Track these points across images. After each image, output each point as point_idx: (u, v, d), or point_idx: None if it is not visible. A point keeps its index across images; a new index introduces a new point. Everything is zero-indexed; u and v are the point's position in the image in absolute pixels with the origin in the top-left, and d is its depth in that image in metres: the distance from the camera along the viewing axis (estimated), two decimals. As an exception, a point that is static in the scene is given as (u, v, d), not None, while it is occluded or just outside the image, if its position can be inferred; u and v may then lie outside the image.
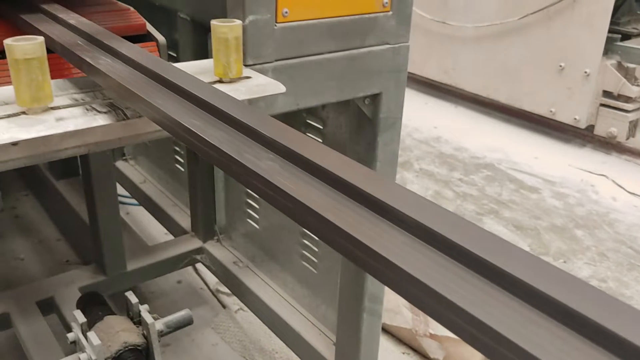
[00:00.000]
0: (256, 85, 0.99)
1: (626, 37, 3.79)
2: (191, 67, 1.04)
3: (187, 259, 2.30)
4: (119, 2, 1.42)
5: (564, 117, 3.85)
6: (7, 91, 0.91)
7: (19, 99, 0.82)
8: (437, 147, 3.85)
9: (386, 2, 1.24)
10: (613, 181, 3.48)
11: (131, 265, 2.14)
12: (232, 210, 2.24)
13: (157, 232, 2.83)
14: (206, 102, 0.74)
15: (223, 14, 1.61)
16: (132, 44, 0.97)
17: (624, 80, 3.60)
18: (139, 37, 1.32)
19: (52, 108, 0.85)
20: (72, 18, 1.07)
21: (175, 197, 2.60)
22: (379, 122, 1.35)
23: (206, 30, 1.94)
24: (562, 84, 3.80)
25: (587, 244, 2.87)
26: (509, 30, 3.98)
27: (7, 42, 0.80)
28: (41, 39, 0.80)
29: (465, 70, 4.32)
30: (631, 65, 3.61)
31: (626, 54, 3.63)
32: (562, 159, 3.73)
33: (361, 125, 1.40)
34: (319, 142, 0.66)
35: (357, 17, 1.20)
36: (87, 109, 0.86)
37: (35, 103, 0.82)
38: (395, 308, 2.15)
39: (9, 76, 0.96)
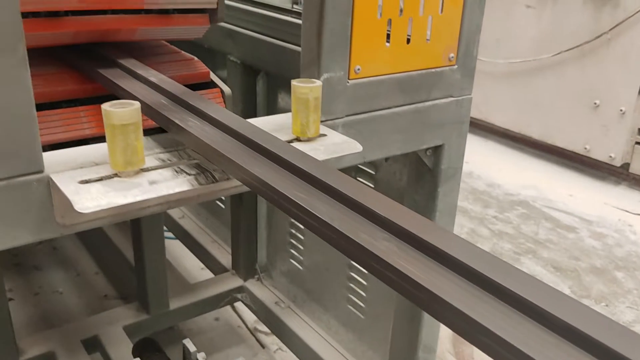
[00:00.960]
0: (333, 144, 1.00)
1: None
2: (267, 124, 1.04)
3: (228, 298, 2.29)
4: (183, 52, 1.44)
5: (599, 154, 3.82)
6: (97, 150, 0.92)
7: (113, 162, 0.84)
8: (470, 182, 3.83)
9: (452, 56, 1.24)
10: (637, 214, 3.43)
11: (174, 304, 2.14)
12: (274, 249, 2.24)
13: (191, 265, 2.83)
14: (309, 173, 0.74)
15: (284, 66, 1.64)
16: (217, 105, 0.98)
17: (659, 117, 3.57)
18: (203, 85, 1.34)
19: (143, 170, 0.86)
20: (152, 75, 1.09)
21: (215, 233, 2.60)
22: (440, 173, 1.35)
23: (255, 72, 1.98)
24: (597, 121, 3.77)
25: (629, 286, 2.82)
26: (542, 66, 3.98)
27: (105, 107, 0.81)
28: (137, 105, 0.82)
29: (496, 105, 4.32)
30: (664, 101, 3.58)
31: (663, 92, 3.60)
32: (598, 197, 3.69)
33: (420, 174, 1.40)
34: (414, 212, 0.65)
35: (424, 71, 1.21)
36: (176, 171, 0.87)
37: (129, 167, 0.83)
38: (440, 354, 2.12)
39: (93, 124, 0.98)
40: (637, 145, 3.70)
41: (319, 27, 1.04)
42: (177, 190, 0.83)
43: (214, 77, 1.38)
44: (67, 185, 0.81)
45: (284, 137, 1.01)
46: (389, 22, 1.13)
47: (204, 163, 0.91)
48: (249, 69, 1.95)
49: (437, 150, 1.33)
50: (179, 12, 1.23)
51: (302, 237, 2.04)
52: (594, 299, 2.71)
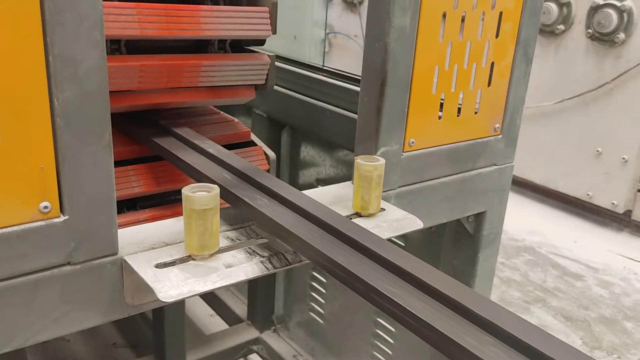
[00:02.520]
0: (395, 221, 1.00)
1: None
2: (324, 196, 1.05)
3: (244, 350, 2.26)
4: (223, 113, 1.46)
5: (602, 201, 3.86)
6: (165, 228, 0.92)
7: (188, 245, 0.83)
8: (475, 227, 3.84)
9: (497, 127, 1.26)
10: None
11: (190, 357, 2.11)
12: (292, 299, 2.22)
13: (202, 313, 2.79)
14: (392, 262, 0.75)
15: (311, 121, 1.66)
16: (279, 180, 0.98)
17: (662, 166, 3.63)
18: (244, 144, 1.36)
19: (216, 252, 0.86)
20: (210, 146, 1.10)
21: (229, 282, 2.58)
22: (481, 239, 1.36)
23: (281, 125, 1.99)
24: (600, 168, 3.83)
25: (639, 337, 2.83)
26: (544, 113, 4.05)
27: (186, 192, 0.81)
28: (217, 189, 0.82)
29: (498, 150, 4.36)
30: (668, 151, 3.65)
31: (664, 141, 3.67)
32: (602, 244, 3.72)
33: (460, 239, 1.40)
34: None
35: (471, 142, 1.23)
36: (249, 253, 0.87)
37: (205, 250, 0.83)
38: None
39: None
40: (639, 193, 3.76)
41: (378, 104, 1.06)
42: (253, 275, 0.83)
43: (256, 139, 1.39)
44: (145, 270, 0.80)
45: (344, 212, 1.01)
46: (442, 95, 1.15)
47: (273, 242, 0.91)
48: (275, 123, 1.96)
49: (478, 216, 1.34)
50: (229, 86, 1.25)
51: (323, 290, 2.03)
52: (605, 351, 2.71)
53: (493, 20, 1.16)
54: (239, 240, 0.91)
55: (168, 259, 0.84)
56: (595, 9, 3.68)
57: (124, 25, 1.01)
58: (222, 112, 1.46)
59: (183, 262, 0.83)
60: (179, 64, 1.12)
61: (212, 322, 2.63)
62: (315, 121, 1.77)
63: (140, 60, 1.07)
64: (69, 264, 0.80)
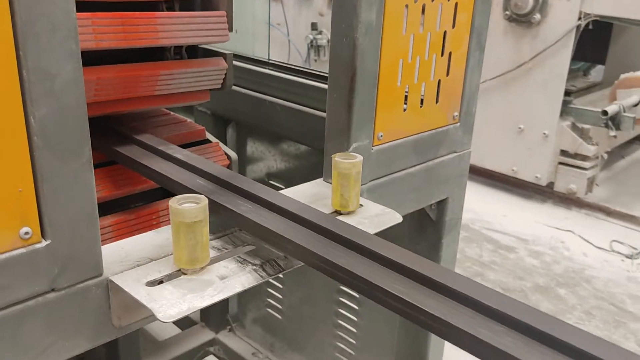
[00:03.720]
0: (375, 217, 1.01)
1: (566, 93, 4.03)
2: (302, 196, 1.04)
3: (200, 352, 2.21)
4: (174, 113, 1.41)
5: (526, 175, 4.05)
6: (146, 243, 0.88)
7: (178, 259, 0.80)
8: (410, 209, 3.94)
9: (456, 115, 1.29)
10: (580, 236, 3.67)
11: (146, 365, 2.05)
12: (247, 297, 2.19)
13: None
14: (400, 263, 0.75)
15: (258, 116, 1.63)
16: (258, 183, 0.96)
17: (581, 140, 3.85)
18: (199, 142, 1.33)
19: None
20: (175, 151, 1.05)
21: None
22: (443, 225, 1.39)
23: (225, 121, 1.95)
24: (522, 144, 4.01)
25: (572, 302, 3.00)
26: (468, 94, 4.18)
27: (173, 205, 0.78)
28: (206, 201, 0.79)
29: (426, 132, 4.48)
30: (585, 126, 3.87)
31: (580, 115, 3.89)
32: (529, 216, 3.91)
33: (423, 226, 1.43)
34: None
35: (434, 131, 1.25)
36: (239, 262, 0.85)
37: (197, 264, 0.80)
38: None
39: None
40: (560, 166, 3.97)
41: (349, 99, 1.05)
42: (249, 285, 0.81)
43: (212, 137, 1.36)
44: (137, 290, 0.76)
45: (324, 211, 1.00)
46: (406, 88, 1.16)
47: (260, 248, 0.89)
48: (219, 119, 1.92)
49: (441, 203, 1.37)
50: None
51: (279, 285, 2.01)
52: (544, 317, 2.86)
53: (449, 11, 1.18)
54: (226, 249, 0.89)
55: (157, 276, 0.80)
56: (511, -8, 3.82)
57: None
58: (172, 113, 1.41)
59: (174, 278, 0.80)
60: (136, 75, 1.07)
61: (164, 327, 2.55)
62: (262, 115, 1.74)
63: (97, 73, 1.01)
64: (52, 290, 0.74)
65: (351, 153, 1.02)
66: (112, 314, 0.81)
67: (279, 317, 2.05)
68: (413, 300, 0.69)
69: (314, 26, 4.92)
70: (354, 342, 1.80)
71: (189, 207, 0.78)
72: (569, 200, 4.06)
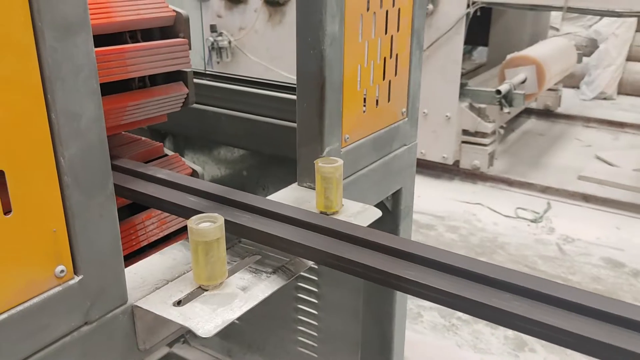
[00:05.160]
0: (358, 214, 1.08)
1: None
2: (285, 201, 1.09)
3: (156, 368, 2.20)
4: (128, 133, 1.40)
5: (434, 156, 4.30)
6: (156, 265, 0.90)
7: (199, 276, 0.83)
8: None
9: (404, 111, 1.39)
10: (488, 208, 3.96)
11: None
12: (197, 307, 2.20)
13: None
14: (407, 252, 0.83)
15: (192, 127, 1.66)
16: (248, 193, 1.01)
17: (479, 119, 4.14)
18: (159, 158, 1.35)
19: (223, 277, 0.87)
20: (155, 171, 1.07)
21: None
22: (399, 214, 1.50)
23: (162, 135, 1.95)
24: (428, 127, 4.24)
25: (492, 269, 3.25)
26: (373, 84, 4.36)
27: (192, 226, 0.81)
28: (221, 218, 0.83)
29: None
30: (482, 106, 4.17)
31: (476, 96, 4.18)
32: (441, 194, 4.16)
33: (381, 216, 1.52)
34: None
35: (387, 128, 1.34)
36: (253, 272, 0.89)
37: (218, 279, 0.84)
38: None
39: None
40: (463, 144, 4.25)
41: (320, 107, 1.12)
42: (270, 292, 0.86)
43: (168, 151, 1.38)
44: (168, 312, 0.79)
45: (310, 214, 1.07)
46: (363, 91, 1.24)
47: (266, 256, 0.94)
48: (156, 133, 1.91)
49: (395, 193, 1.47)
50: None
51: (232, 290, 2.04)
52: (470, 287, 3.08)
53: (394, 16, 1.27)
54: (234, 261, 0.93)
55: (181, 295, 0.83)
56: (404, -16, 4.02)
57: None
58: (127, 133, 1.41)
59: (198, 295, 0.83)
60: (106, 109, 1.07)
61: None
62: (204, 126, 1.77)
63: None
64: (86, 323, 0.76)
65: (331, 157, 1.09)
66: (138, 338, 0.83)
67: (236, 321, 2.08)
68: (419, 278, 0.77)
69: (213, 28, 4.89)
70: (316, 334, 1.87)
71: (208, 226, 0.81)
72: (474, 176, 4.36)
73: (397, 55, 1.31)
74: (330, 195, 1.06)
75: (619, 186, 4.18)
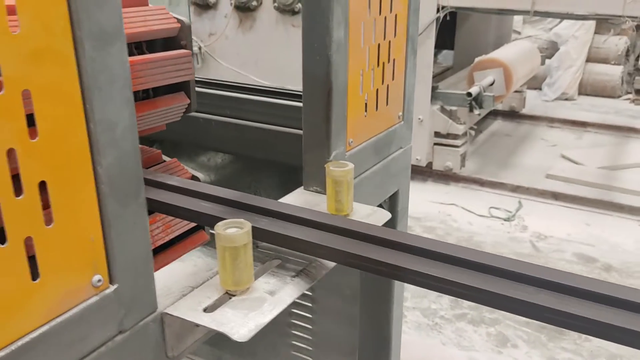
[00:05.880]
0: (368, 216, 1.10)
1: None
2: (298, 205, 1.10)
3: (145, 378, 2.17)
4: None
5: (407, 158, 4.35)
6: (178, 272, 0.90)
7: (227, 281, 0.84)
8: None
9: (400, 115, 1.42)
10: (462, 208, 4.04)
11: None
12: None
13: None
14: (416, 246, 0.86)
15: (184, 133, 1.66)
16: (261, 197, 1.01)
17: (451, 121, 4.22)
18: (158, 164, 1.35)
19: (248, 282, 0.87)
20: (165, 178, 1.07)
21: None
22: (396, 215, 1.52)
23: (151, 142, 1.94)
24: (401, 130, 4.30)
25: (470, 267, 3.31)
26: (345, 88, 4.40)
27: (220, 232, 0.82)
28: (248, 224, 0.83)
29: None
30: (453, 108, 4.25)
31: (447, 98, 4.26)
32: (416, 195, 4.20)
33: (376, 219, 1.55)
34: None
35: (386, 131, 1.37)
36: (277, 276, 0.90)
37: (245, 284, 0.84)
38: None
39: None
40: (435, 146, 4.32)
41: (327, 112, 1.13)
42: (296, 295, 0.87)
43: (166, 157, 1.38)
44: (200, 318, 0.80)
45: (321, 218, 1.08)
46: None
47: (285, 260, 0.95)
48: (144, 140, 1.89)
49: (392, 195, 1.50)
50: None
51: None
52: (450, 286, 3.14)
53: (392, 22, 1.30)
54: (256, 266, 0.93)
55: (209, 302, 0.84)
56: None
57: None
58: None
59: (226, 300, 0.84)
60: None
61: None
62: (191, 132, 1.77)
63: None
64: (120, 333, 0.76)
65: (341, 161, 1.10)
66: (167, 346, 0.83)
67: (226, 328, 2.07)
68: (427, 270, 0.80)
69: (182, 34, 4.85)
70: (311, 338, 1.88)
71: (237, 232, 0.82)
72: (447, 177, 4.43)
73: (394, 60, 1.33)
74: (342, 199, 1.08)
75: (586, 184, 4.32)
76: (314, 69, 1.12)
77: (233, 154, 1.80)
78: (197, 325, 0.84)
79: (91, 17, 0.64)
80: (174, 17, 1.17)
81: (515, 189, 4.26)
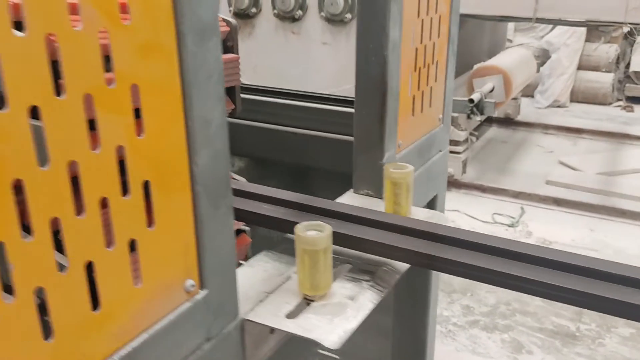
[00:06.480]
0: (428, 219, 1.08)
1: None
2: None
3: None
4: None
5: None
6: (249, 277, 0.87)
7: (302, 285, 0.81)
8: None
9: (440, 117, 1.41)
10: (465, 214, 4.04)
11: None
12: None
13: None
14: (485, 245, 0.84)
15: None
16: (328, 200, 0.99)
17: (452, 127, 4.22)
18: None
19: (324, 287, 0.85)
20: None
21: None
22: (433, 219, 1.50)
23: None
24: (402, 137, 4.29)
25: (478, 274, 3.31)
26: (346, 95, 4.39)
27: (300, 233, 0.79)
28: (329, 227, 0.81)
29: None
30: (454, 114, 4.26)
31: (448, 105, 4.26)
32: (418, 203, 4.21)
33: (412, 224, 1.53)
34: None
35: (428, 134, 1.35)
36: (352, 280, 0.88)
37: (325, 289, 0.82)
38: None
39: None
40: (437, 153, 4.32)
41: (381, 114, 1.11)
42: (376, 301, 0.85)
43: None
44: (284, 324, 0.77)
45: (379, 221, 1.06)
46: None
47: (355, 264, 0.92)
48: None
49: (431, 200, 1.48)
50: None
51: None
52: (460, 292, 3.13)
53: (436, 23, 1.28)
54: (326, 270, 0.91)
55: (290, 307, 0.81)
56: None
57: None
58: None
59: (307, 306, 0.81)
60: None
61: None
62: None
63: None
64: (207, 340, 0.72)
65: (399, 163, 1.08)
66: (246, 353, 0.80)
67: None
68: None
69: (180, 42, 4.82)
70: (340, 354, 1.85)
71: (318, 235, 0.80)
72: (448, 183, 4.41)
73: (437, 61, 1.32)
74: (401, 201, 1.06)
75: (586, 189, 4.34)
76: (369, 70, 1.10)
77: (260, 158, 1.77)
78: (272, 332, 0.82)
79: (194, 11, 0.61)
80: (223, 19, 1.15)
81: (517, 195, 4.27)
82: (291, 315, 0.79)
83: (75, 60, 0.50)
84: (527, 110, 6.41)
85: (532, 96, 6.81)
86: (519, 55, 5.03)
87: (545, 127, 5.89)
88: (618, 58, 6.78)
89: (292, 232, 0.94)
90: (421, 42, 1.23)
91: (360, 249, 0.91)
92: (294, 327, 0.76)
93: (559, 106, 6.68)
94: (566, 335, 2.83)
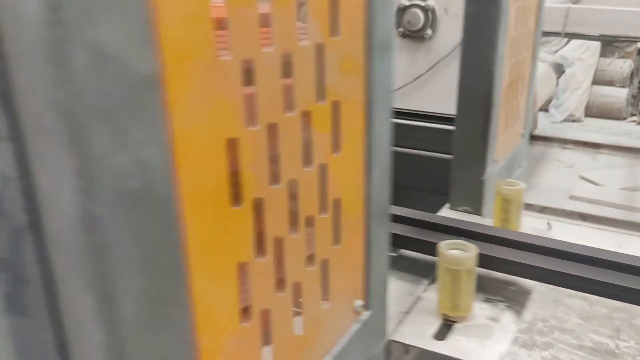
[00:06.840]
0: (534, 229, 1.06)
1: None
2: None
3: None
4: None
5: (433, 179, 4.33)
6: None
7: (443, 305, 0.79)
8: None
9: (523, 132, 1.39)
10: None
11: None
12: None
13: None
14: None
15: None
16: (451, 217, 0.97)
17: (478, 141, 4.21)
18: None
19: (462, 307, 0.83)
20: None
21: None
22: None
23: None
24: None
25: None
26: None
27: (444, 251, 0.77)
28: (475, 249, 0.79)
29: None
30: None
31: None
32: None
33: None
34: None
35: (514, 149, 1.34)
36: (487, 301, 0.86)
37: (469, 310, 0.80)
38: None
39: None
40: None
41: (485, 128, 1.10)
42: (516, 320, 0.82)
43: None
44: (437, 346, 0.75)
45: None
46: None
47: (484, 285, 0.90)
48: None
49: (507, 215, 1.46)
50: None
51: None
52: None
53: (527, 38, 1.27)
54: (455, 289, 0.89)
55: (432, 328, 0.79)
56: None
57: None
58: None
59: (449, 327, 0.79)
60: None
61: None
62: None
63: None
64: (366, 363, 0.70)
65: (509, 180, 1.07)
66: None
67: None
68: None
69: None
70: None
71: (462, 255, 0.78)
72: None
73: (524, 76, 1.31)
74: (511, 218, 1.04)
75: (611, 205, 4.33)
76: (473, 84, 1.09)
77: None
78: (407, 352, 0.79)
79: (381, 25, 0.60)
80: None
81: (543, 209, 4.24)
82: (438, 336, 0.77)
83: (302, 75, 0.49)
84: (542, 124, 6.39)
85: (547, 110, 6.81)
86: (541, 71, 5.04)
87: (563, 142, 5.87)
88: (632, 73, 6.80)
89: (408, 248, 0.93)
90: (515, 57, 1.22)
91: (490, 267, 0.89)
92: (447, 349, 0.74)
93: (573, 120, 6.66)
94: (606, 352, 2.80)
